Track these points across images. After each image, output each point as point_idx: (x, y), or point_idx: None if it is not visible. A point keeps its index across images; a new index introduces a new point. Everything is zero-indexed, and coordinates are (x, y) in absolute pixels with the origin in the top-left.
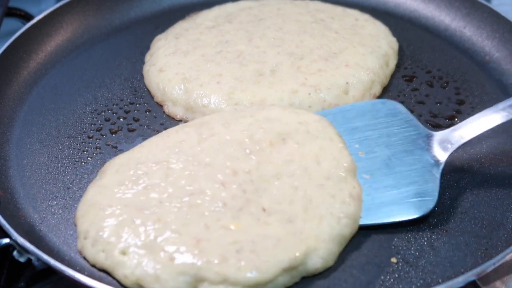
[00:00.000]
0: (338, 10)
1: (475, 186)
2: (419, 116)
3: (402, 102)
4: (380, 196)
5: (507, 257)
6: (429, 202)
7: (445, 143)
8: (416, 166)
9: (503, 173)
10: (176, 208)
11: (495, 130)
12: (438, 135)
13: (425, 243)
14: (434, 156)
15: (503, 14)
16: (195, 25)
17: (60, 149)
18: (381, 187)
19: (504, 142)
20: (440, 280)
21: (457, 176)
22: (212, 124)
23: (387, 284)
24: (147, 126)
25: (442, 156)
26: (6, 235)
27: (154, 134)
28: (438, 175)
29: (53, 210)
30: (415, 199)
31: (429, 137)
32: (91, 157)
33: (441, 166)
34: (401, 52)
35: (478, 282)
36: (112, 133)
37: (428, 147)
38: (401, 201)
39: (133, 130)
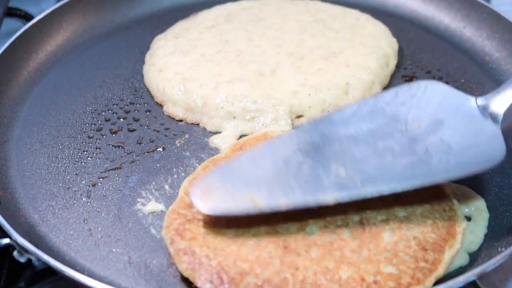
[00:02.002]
0: (338, 9)
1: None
2: None
3: None
4: (447, 155)
5: (507, 257)
6: (498, 154)
7: (498, 102)
8: (475, 126)
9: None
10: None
11: None
12: (487, 97)
13: None
14: (490, 115)
15: (503, 14)
16: (194, 24)
17: (60, 149)
18: (445, 147)
19: None
20: None
21: None
22: None
23: None
24: (147, 126)
25: (498, 112)
26: (6, 235)
27: (154, 134)
28: (498, 130)
29: (53, 210)
30: (482, 154)
31: (479, 100)
32: (91, 157)
33: (499, 122)
34: (401, 52)
35: (478, 282)
36: (112, 133)
37: (481, 109)
38: (469, 156)
39: (133, 130)
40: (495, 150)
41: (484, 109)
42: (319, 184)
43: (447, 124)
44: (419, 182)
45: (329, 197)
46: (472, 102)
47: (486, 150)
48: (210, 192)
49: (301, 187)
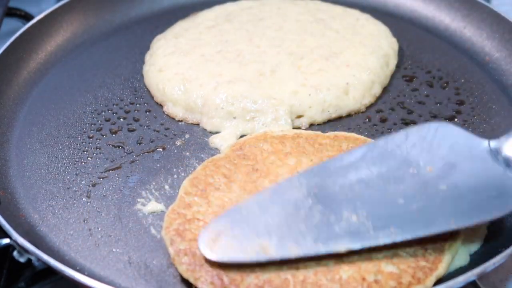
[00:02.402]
0: (339, 9)
1: None
2: (419, 116)
3: (402, 102)
4: (461, 202)
5: (507, 257)
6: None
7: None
8: (488, 172)
9: None
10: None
11: None
12: (499, 141)
13: None
14: (503, 160)
15: (503, 14)
16: (194, 24)
17: (60, 149)
18: (458, 194)
19: None
20: None
21: None
22: None
23: None
24: (147, 126)
25: (510, 157)
26: (6, 235)
27: (154, 134)
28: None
29: (53, 210)
30: (496, 201)
31: (491, 145)
32: (91, 157)
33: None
34: (401, 52)
35: (478, 282)
36: (112, 133)
37: (494, 153)
38: (483, 204)
39: (133, 130)
40: (509, 196)
41: (496, 153)
42: (330, 232)
43: (459, 168)
44: (432, 229)
45: (341, 246)
46: (484, 145)
47: (499, 196)
48: (218, 239)
49: (312, 234)
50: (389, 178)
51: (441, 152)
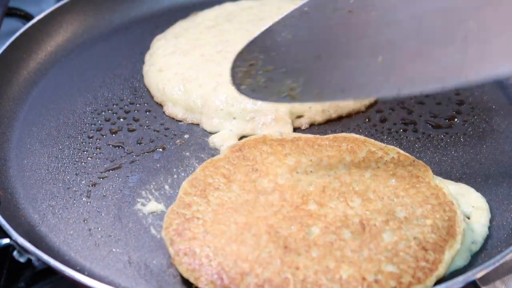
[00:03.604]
0: None
1: None
2: (419, 116)
3: (402, 102)
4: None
5: (507, 257)
6: None
7: None
8: None
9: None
10: None
11: None
12: None
13: None
14: None
15: None
16: (194, 24)
17: (60, 149)
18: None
19: None
20: None
21: None
22: None
23: None
24: (147, 126)
25: None
26: (6, 235)
27: (154, 134)
28: None
29: (53, 210)
30: None
31: None
32: (91, 157)
33: None
34: None
35: (478, 282)
36: (112, 133)
37: None
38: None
39: (133, 130)
40: None
41: None
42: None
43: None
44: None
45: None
46: None
47: None
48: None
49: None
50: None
51: None
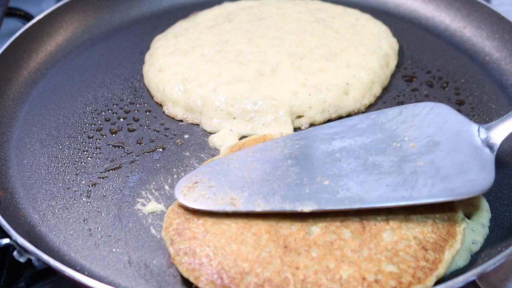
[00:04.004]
0: (339, 9)
1: None
2: None
3: (402, 102)
4: (434, 178)
5: (507, 257)
6: (485, 183)
7: (497, 132)
8: (469, 151)
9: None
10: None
11: None
12: (488, 125)
13: None
14: (487, 143)
15: (503, 14)
16: (194, 24)
17: (60, 149)
18: (434, 171)
19: None
20: None
21: None
22: None
23: None
24: (147, 126)
25: (495, 142)
26: (6, 235)
27: (154, 134)
28: (492, 158)
29: (53, 210)
30: (470, 181)
31: (479, 127)
32: (91, 157)
33: (495, 151)
34: (401, 52)
35: (478, 282)
36: (112, 133)
37: (480, 135)
38: (455, 182)
39: (133, 130)
40: (483, 179)
41: (484, 137)
42: (300, 192)
43: (442, 147)
44: (400, 202)
45: (306, 207)
46: (474, 129)
47: (474, 178)
48: (194, 187)
49: (282, 193)
50: (370, 150)
51: (429, 130)
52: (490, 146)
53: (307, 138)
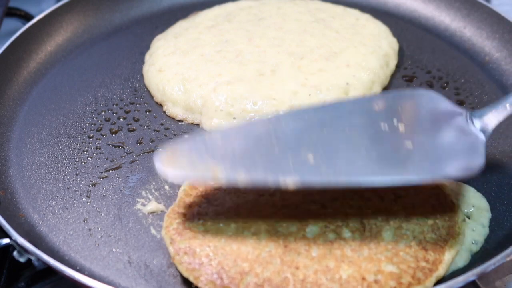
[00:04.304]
0: (339, 9)
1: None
2: None
3: None
4: (423, 158)
5: (507, 257)
6: (475, 165)
7: (489, 117)
8: (460, 135)
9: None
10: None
11: None
12: (480, 111)
13: None
14: (481, 128)
15: (503, 14)
16: (194, 24)
17: (60, 149)
18: (423, 152)
19: None
20: None
21: None
22: None
23: None
24: (147, 126)
25: (487, 127)
26: (6, 235)
27: (154, 134)
28: (483, 143)
29: (53, 210)
30: (459, 162)
31: (470, 114)
32: (91, 157)
33: (486, 136)
34: (401, 52)
35: (478, 282)
36: (112, 133)
37: (471, 121)
38: (445, 163)
39: (133, 130)
40: (474, 161)
41: (475, 122)
42: (283, 166)
43: (431, 130)
44: (387, 179)
45: (289, 180)
46: (464, 114)
47: (464, 160)
48: (176, 159)
49: (265, 166)
50: (358, 129)
51: (418, 114)
52: (483, 130)
53: (293, 118)
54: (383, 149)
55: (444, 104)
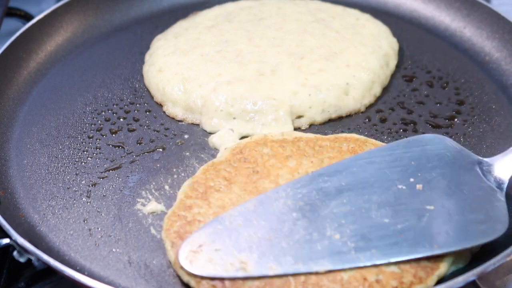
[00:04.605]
0: (339, 9)
1: None
2: (419, 116)
3: (402, 102)
4: (447, 224)
5: (507, 257)
6: (500, 226)
7: (503, 167)
8: (478, 193)
9: None
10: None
11: None
12: (492, 160)
13: None
14: (495, 180)
15: (503, 14)
16: (194, 24)
17: (60, 149)
18: (446, 216)
19: None
20: None
21: None
22: None
23: None
24: (147, 126)
25: (503, 179)
26: (6, 235)
27: (154, 134)
28: (503, 198)
29: (53, 210)
30: (483, 225)
31: (484, 164)
32: (91, 157)
33: (504, 189)
34: (401, 52)
35: (478, 282)
36: (112, 133)
37: (486, 173)
38: (470, 228)
39: (133, 130)
40: (499, 221)
41: (488, 172)
42: (312, 250)
43: (449, 187)
44: (414, 254)
45: (321, 267)
46: (477, 163)
47: (487, 221)
48: (199, 251)
49: (293, 252)
50: (376, 195)
51: (432, 168)
52: (499, 184)
53: (307, 186)
54: (408, 217)
55: (456, 151)
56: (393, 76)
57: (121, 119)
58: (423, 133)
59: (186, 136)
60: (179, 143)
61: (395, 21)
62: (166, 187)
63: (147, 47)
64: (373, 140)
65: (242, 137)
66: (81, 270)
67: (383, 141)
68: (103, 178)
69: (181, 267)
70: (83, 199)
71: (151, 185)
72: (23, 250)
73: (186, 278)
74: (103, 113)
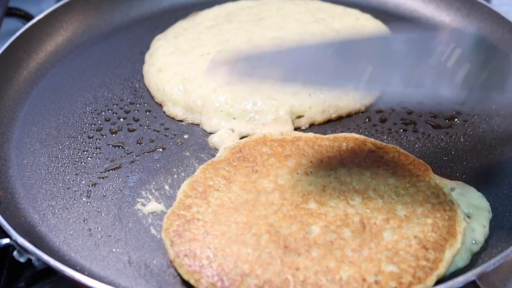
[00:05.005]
0: (339, 9)
1: None
2: (419, 116)
3: (402, 102)
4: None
5: (507, 257)
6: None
7: None
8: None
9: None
10: None
11: None
12: None
13: None
14: None
15: (503, 14)
16: (194, 24)
17: (60, 149)
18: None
19: None
20: None
21: None
22: None
23: None
24: (147, 126)
25: None
26: (6, 235)
27: (154, 134)
28: None
29: (53, 210)
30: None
31: None
32: (91, 157)
33: None
34: None
35: (478, 282)
36: (112, 133)
37: None
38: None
39: (133, 130)
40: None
41: None
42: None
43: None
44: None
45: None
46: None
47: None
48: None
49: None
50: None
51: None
52: None
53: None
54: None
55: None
56: None
57: (121, 119)
58: (423, 133)
59: (186, 136)
60: (179, 143)
61: (395, 21)
62: (166, 187)
63: (147, 47)
64: (373, 140)
65: (242, 137)
66: (81, 270)
67: (383, 141)
68: (103, 178)
69: (181, 265)
70: (83, 199)
71: (151, 185)
72: (23, 250)
73: (186, 276)
74: (103, 113)
